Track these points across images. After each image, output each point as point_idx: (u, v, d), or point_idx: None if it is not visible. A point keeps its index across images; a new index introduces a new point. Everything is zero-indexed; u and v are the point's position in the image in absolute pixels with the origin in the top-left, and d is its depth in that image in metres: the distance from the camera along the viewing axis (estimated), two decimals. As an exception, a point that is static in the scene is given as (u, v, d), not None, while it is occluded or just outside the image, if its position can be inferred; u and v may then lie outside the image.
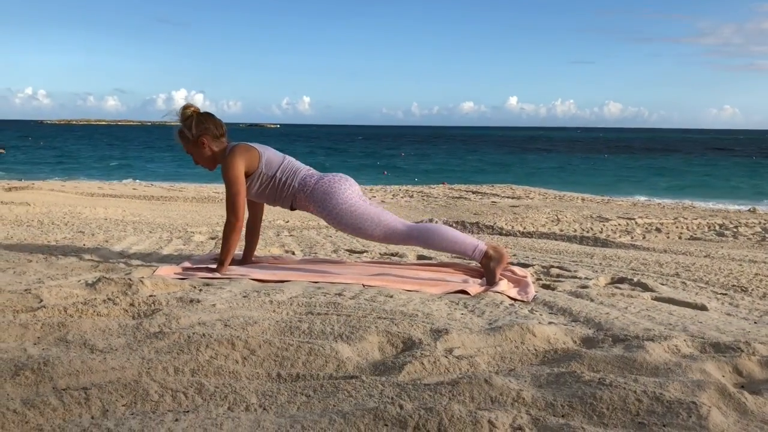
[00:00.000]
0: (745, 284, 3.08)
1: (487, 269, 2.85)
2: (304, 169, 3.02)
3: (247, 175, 2.95)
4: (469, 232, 5.64)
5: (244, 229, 3.22)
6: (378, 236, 2.93)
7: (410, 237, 2.91)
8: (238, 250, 3.31)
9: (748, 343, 1.81)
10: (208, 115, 3.03)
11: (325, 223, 5.97)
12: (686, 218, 7.66)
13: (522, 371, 1.57)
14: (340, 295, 2.48)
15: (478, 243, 2.89)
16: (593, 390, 1.40)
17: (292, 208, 3.03)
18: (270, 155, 2.99)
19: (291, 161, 3.03)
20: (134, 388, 1.35)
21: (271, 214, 7.13)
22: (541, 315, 2.32)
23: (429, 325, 1.99)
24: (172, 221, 5.73)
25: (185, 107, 3.02)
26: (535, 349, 1.81)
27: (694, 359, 1.68)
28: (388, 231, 2.92)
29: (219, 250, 3.67)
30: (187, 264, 3.06)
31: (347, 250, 3.90)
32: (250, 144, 3.00)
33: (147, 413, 1.28)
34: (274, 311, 2.16)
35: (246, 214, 3.07)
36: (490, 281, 2.81)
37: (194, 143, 2.99)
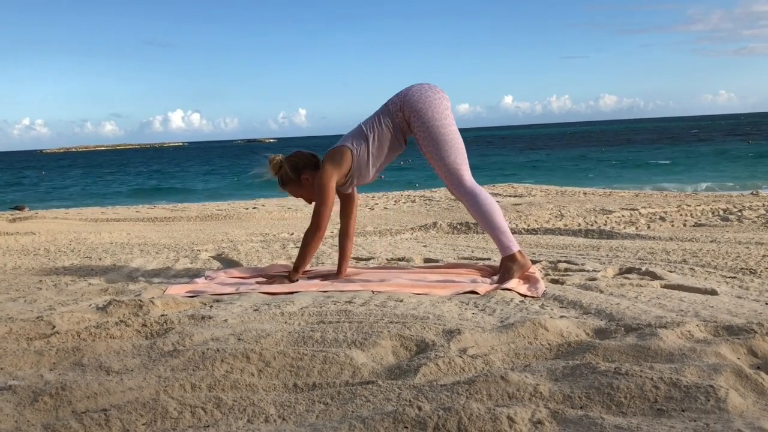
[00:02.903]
0: (754, 266, 3.08)
1: (507, 270, 2.84)
2: (382, 106, 2.96)
3: (349, 170, 2.92)
4: (473, 233, 5.65)
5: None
6: (448, 170, 2.87)
7: (467, 195, 2.88)
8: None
9: (761, 324, 1.81)
10: (297, 153, 3.04)
11: (330, 234, 5.98)
12: (689, 205, 7.65)
13: (537, 366, 1.58)
14: (350, 302, 2.48)
15: (514, 244, 2.88)
16: (610, 380, 1.40)
17: (405, 142, 2.96)
18: (352, 136, 2.95)
19: (366, 120, 2.97)
20: (153, 406, 1.35)
21: (276, 227, 7.14)
22: (552, 309, 2.33)
23: (441, 326, 2.00)
24: (178, 241, 5.74)
25: (271, 160, 3.02)
26: (549, 344, 1.81)
27: (709, 343, 1.68)
28: (457, 175, 2.87)
29: (224, 266, 3.68)
30: (197, 281, 3.06)
31: (353, 258, 3.90)
32: (335, 146, 2.95)
33: (168, 430, 1.28)
34: (285, 322, 2.17)
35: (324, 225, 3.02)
36: (503, 280, 2.80)
37: (299, 185, 3.01)
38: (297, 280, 2.97)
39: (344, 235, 3.19)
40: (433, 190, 14.10)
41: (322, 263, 3.73)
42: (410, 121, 2.89)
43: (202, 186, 27.94)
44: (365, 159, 2.93)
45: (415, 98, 2.87)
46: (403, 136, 2.95)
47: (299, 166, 3.00)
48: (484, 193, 2.91)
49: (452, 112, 2.91)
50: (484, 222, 2.87)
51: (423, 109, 2.84)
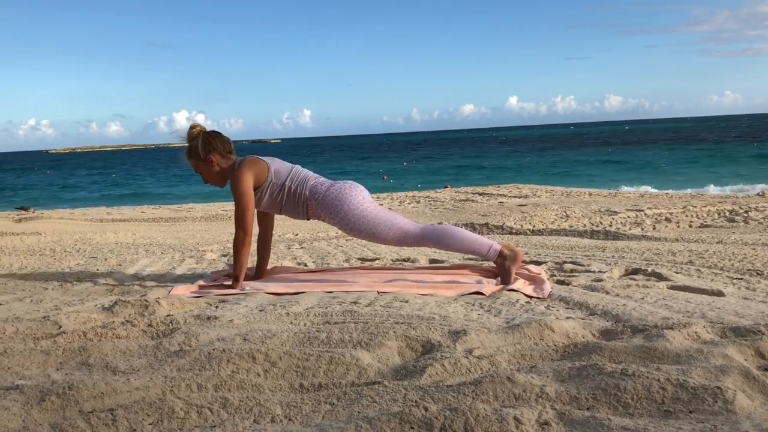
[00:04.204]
0: (761, 268, 3.06)
1: (502, 269, 2.85)
2: (313, 178, 3.02)
3: (257, 187, 2.96)
4: (478, 233, 5.64)
5: (254, 244, 3.22)
6: (392, 239, 2.93)
7: (424, 238, 2.91)
8: (250, 264, 3.32)
9: (768, 326, 1.81)
10: (215, 134, 3.05)
11: (335, 234, 5.98)
12: (695, 206, 7.63)
13: (543, 367, 1.57)
14: (355, 303, 2.48)
15: (493, 243, 2.89)
16: (616, 381, 1.40)
17: (308, 218, 3.03)
18: (278, 165, 3.01)
19: (299, 170, 3.04)
20: (160, 406, 1.35)
21: (281, 227, 7.14)
22: (558, 310, 2.32)
23: (447, 327, 1.99)
24: (183, 241, 5.75)
25: (192, 127, 3.04)
26: (555, 345, 1.80)
27: (715, 344, 1.68)
28: (402, 234, 2.92)
29: (231, 267, 3.69)
30: (201, 282, 3.08)
31: (359, 259, 3.90)
32: (258, 156, 3.02)
33: (174, 430, 1.29)
34: (291, 323, 2.17)
35: (256, 229, 3.08)
36: (506, 281, 2.81)
37: (203, 162, 3.01)
38: (242, 288, 2.91)
39: (262, 241, 3.24)
40: (438, 191, 14.09)
41: (327, 264, 3.73)
42: (325, 218, 2.97)
43: (176, 190, 27.29)
44: (271, 194, 2.99)
45: (329, 198, 2.93)
46: (306, 216, 3.03)
47: (211, 146, 3.01)
48: (433, 227, 2.98)
49: (370, 197, 3.01)
50: (455, 246, 2.91)
51: (337, 206, 2.92)
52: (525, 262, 3.27)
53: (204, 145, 2.99)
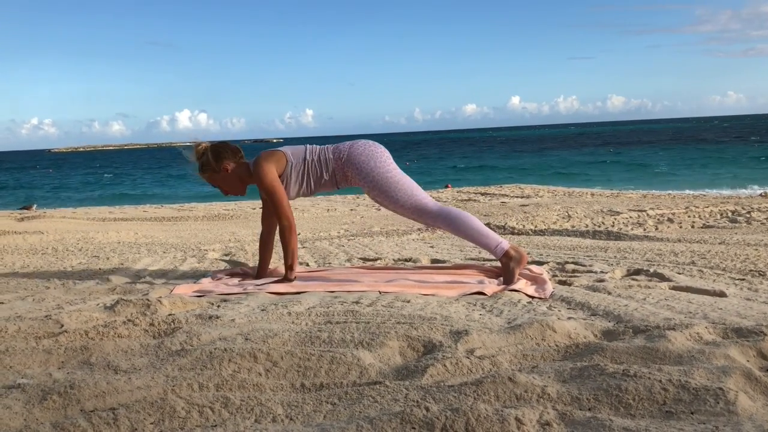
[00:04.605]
0: (763, 268, 3.06)
1: (506, 269, 2.85)
2: (331, 145, 3.05)
3: (280, 174, 2.97)
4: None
5: (256, 244, 3.22)
6: (409, 209, 2.93)
7: (438, 217, 2.92)
8: (251, 264, 3.33)
9: (770, 327, 1.80)
10: (222, 144, 3.07)
11: (337, 234, 5.98)
12: (698, 207, 7.61)
13: (545, 367, 1.57)
14: (357, 303, 2.48)
15: (502, 240, 2.90)
16: (618, 382, 1.40)
17: (338, 185, 3.04)
18: (293, 149, 3.04)
19: (313, 145, 3.07)
20: (161, 405, 1.36)
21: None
22: (559, 311, 2.32)
23: (448, 327, 1.99)
24: (185, 241, 5.75)
25: (197, 146, 3.07)
26: (557, 345, 1.80)
27: (717, 345, 1.68)
28: (419, 206, 2.92)
29: (231, 266, 3.69)
30: (204, 281, 3.07)
31: (361, 258, 3.90)
32: (269, 150, 3.04)
33: (176, 430, 1.29)
34: (293, 322, 2.17)
35: (259, 228, 3.09)
36: (509, 281, 2.81)
37: (217, 174, 3.03)
38: (295, 278, 2.97)
39: (264, 242, 3.23)
40: (440, 191, 14.09)
41: (329, 263, 3.74)
42: (351, 177, 2.98)
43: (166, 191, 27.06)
44: (297, 175, 2.99)
45: (355, 153, 2.95)
46: (336, 183, 3.04)
47: (222, 155, 3.03)
48: (450, 209, 2.97)
49: (393, 162, 3.02)
50: (466, 233, 2.91)
51: (364, 161, 2.93)
52: (527, 262, 3.27)
53: (215, 156, 3.02)
